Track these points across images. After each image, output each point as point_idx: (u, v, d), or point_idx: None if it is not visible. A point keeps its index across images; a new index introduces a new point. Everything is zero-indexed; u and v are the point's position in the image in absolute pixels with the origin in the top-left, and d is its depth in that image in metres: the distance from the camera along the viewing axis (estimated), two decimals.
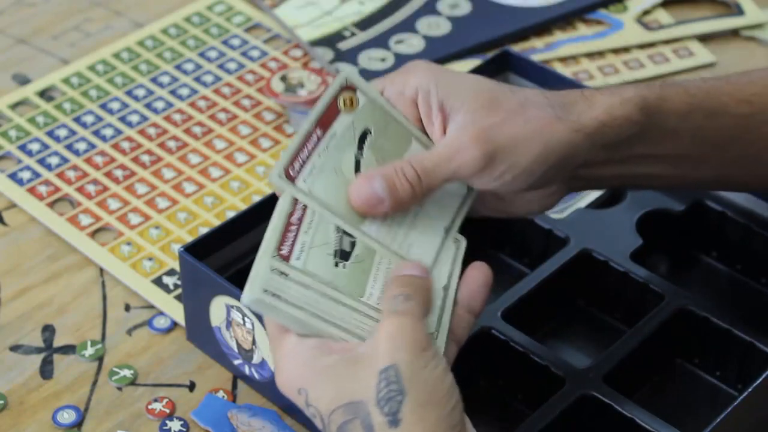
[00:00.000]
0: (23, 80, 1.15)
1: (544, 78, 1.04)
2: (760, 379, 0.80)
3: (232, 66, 1.16)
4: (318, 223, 0.73)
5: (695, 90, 0.80)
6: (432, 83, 0.77)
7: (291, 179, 0.73)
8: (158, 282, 0.96)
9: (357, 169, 0.75)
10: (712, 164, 0.81)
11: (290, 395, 0.71)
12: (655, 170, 0.80)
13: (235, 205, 1.03)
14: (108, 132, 1.09)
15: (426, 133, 0.78)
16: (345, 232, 0.73)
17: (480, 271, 0.76)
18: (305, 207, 0.73)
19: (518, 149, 0.75)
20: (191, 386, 0.89)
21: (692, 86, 0.80)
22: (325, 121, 0.75)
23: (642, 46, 1.19)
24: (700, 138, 0.79)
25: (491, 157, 0.74)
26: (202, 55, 1.17)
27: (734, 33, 1.21)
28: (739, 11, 1.22)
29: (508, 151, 0.75)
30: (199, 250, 0.88)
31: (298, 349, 0.71)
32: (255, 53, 1.17)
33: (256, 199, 1.02)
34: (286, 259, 0.71)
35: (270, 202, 0.91)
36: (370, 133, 0.76)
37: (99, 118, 1.10)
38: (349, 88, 0.76)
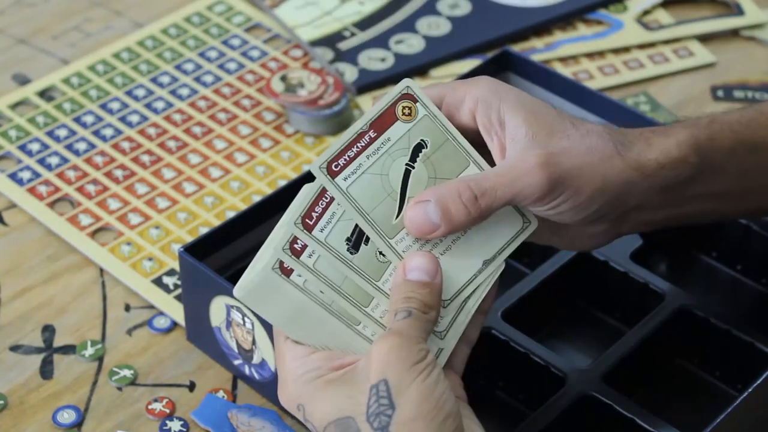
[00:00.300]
0: (23, 80, 1.15)
1: (544, 78, 1.04)
2: (760, 379, 0.80)
3: (232, 66, 1.16)
4: (340, 219, 0.72)
5: (738, 126, 0.79)
6: (495, 97, 0.74)
7: (332, 174, 0.71)
8: (158, 282, 0.96)
9: (405, 179, 0.73)
10: (753, 197, 0.81)
11: (291, 410, 0.72)
12: (703, 208, 0.79)
13: (235, 205, 1.03)
14: (108, 132, 1.09)
15: (484, 158, 0.75)
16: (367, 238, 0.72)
17: None
18: (332, 199, 0.72)
19: (580, 179, 0.73)
20: (191, 386, 0.89)
21: (734, 122, 0.79)
22: (379, 125, 0.73)
23: (642, 46, 1.19)
24: (744, 173, 0.79)
25: (556, 184, 0.72)
26: (202, 55, 1.17)
27: (734, 33, 1.21)
28: (739, 11, 1.22)
29: (570, 181, 0.73)
30: (199, 250, 0.88)
31: (302, 369, 0.71)
32: (255, 53, 1.17)
33: (256, 199, 1.02)
34: (309, 229, 0.70)
35: (270, 202, 0.91)
36: (426, 146, 0.74)
37: (99, 118, 1.10)
38: (409, 97, 0.74)
